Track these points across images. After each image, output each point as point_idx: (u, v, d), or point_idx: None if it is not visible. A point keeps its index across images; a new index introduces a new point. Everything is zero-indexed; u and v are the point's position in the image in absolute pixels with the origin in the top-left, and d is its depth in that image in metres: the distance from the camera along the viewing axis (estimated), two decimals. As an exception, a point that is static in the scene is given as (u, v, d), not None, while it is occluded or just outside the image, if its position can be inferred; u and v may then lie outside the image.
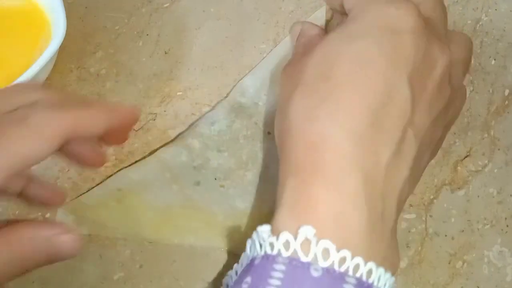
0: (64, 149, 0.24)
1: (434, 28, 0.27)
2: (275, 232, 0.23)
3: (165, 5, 0.37)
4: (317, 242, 0.22)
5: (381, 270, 0.23)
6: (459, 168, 0.33)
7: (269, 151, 0.32)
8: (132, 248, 0.31)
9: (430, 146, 0.27)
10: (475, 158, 0.33)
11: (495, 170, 0.33)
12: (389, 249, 0.24)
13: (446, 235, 0.32)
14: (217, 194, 0.31)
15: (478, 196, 0.32)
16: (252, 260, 0.23)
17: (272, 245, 0.23)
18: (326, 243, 0.22)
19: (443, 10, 0.29)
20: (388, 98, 0.24)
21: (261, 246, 0.23)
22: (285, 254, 0.22)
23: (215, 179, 0.31)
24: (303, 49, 0.30)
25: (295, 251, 0.22)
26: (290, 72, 0.28)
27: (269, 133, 0.32)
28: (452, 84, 0.27)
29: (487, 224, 0.32)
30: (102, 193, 0.31)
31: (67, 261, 0.31)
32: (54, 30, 0.32)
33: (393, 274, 0.24)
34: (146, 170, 0.29)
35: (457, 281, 0.31)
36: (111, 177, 0.29)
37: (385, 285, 0.23)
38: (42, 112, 0.22)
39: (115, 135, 0.27)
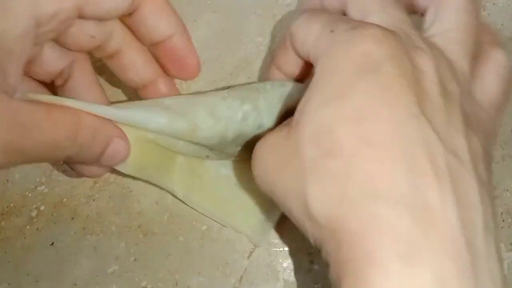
0: None
1: (405, 32, 0.23)
2: None
3: (161, -2, 0.36)
4: None
5: None
6: (455, 162, 0.33)
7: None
8: (127, 241, 0.31)
9: (484, 159, 0.22)
10: (471, 152, 0.33)
11: (492, 165, 0.33)
12: None
13: (442, 230, 0.32)
14: None
15: (475, 191, 0.32)
16: None
17: None
18: None
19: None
20: (411, 143, 0.20)
21: None
22: None
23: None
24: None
25: None
26: (277, 153, 0.23)
27: None
28: (457, 74, 0.23)
29: (483, 219, 0.32)
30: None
31: (61, 253, 0.31)
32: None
33: None
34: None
35: (452, 275, 0.31)
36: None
37: None
38: None
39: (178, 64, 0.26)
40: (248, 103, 0.27)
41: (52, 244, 0.31)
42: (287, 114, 0.27)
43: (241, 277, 0.31)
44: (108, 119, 0.24)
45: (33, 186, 0.32)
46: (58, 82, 0.26)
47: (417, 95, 0.21)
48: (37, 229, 0.31)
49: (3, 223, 0.31)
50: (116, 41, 0.25)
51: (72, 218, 0.32)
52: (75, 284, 0.31)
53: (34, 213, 0.32)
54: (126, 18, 0.24)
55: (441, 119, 0.21)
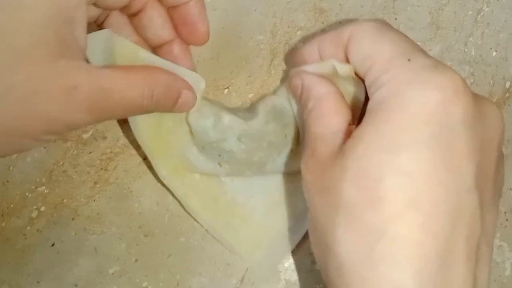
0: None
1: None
2: None
3: (161, -4, 0.36)
4: None
5: None
6: (458, 161, 0.33)
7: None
8: (128, 241, 0.31)
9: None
10: (474, 151, 0.33)
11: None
12: None
13: (444, 229, 0.31)
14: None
15: (478, 190, 0.32)
16: None
17: None
18: None
19: None
20: (456, 218, 0.20)
21: None
22: None
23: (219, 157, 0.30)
24: (322, 137, 0.24)
25: None
26: (318, 179, 0.23)
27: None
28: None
29: (486, 218, 0.32)
30: None
31: (62, 254, 0.31)
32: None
33: None
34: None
35: (455, 275, 0.31)
36: None
37: None
38: None
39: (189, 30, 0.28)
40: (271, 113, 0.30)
41: (53, 245, 0.31)
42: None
43: (243, 278, 0.31)
44: (178, 75, 0.26)
45: (33, 187, 0.32)
46: (128, 12, 0.28)
47: (478, 165, 0.20)
48: (37, 230, 0.31)
49: (3, 224, 0.31)
50: (140, 1, 0.27)
51: (73, 219, 0.32)
52: (76, 285, 0.30)
53: (34, 214, 0.31)
54: None
55: (489, 193, 0.21)
